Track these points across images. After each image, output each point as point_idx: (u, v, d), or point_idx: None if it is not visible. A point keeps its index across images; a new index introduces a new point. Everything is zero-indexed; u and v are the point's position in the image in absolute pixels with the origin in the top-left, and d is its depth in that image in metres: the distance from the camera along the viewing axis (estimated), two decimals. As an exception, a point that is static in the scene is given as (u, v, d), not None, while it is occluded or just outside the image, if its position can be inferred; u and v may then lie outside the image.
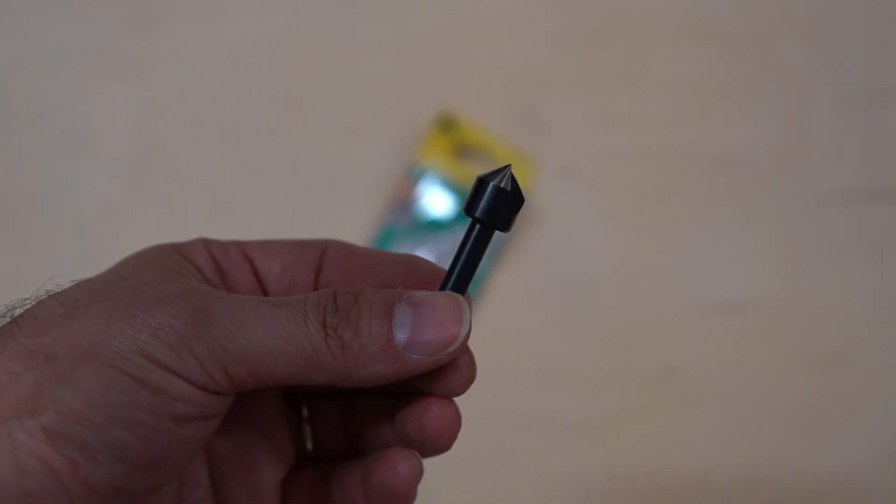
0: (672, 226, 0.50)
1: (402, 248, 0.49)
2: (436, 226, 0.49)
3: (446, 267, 0.20)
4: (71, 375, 0.16)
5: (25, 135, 0.51)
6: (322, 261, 0.22)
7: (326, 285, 0.21)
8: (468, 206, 0.20)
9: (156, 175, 0.50)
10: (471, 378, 0.21)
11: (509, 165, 0.21)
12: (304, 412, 0.22)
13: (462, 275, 0.19)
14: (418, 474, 0.22)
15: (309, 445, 0.22)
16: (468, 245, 0.20)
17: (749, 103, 0.51)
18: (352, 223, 0.50)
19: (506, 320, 0.49)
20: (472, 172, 0.50)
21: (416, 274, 0.20)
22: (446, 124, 0.49)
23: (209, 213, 0.50)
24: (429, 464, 0.49)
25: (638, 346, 0.49)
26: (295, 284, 0.21)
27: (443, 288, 0.20)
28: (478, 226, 0.20)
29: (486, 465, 0.48)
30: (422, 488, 0.49)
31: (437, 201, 0.49)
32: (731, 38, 0.52)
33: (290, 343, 0.17)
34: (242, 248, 0.22)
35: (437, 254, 0.49)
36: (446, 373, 0.20)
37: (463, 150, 0.50)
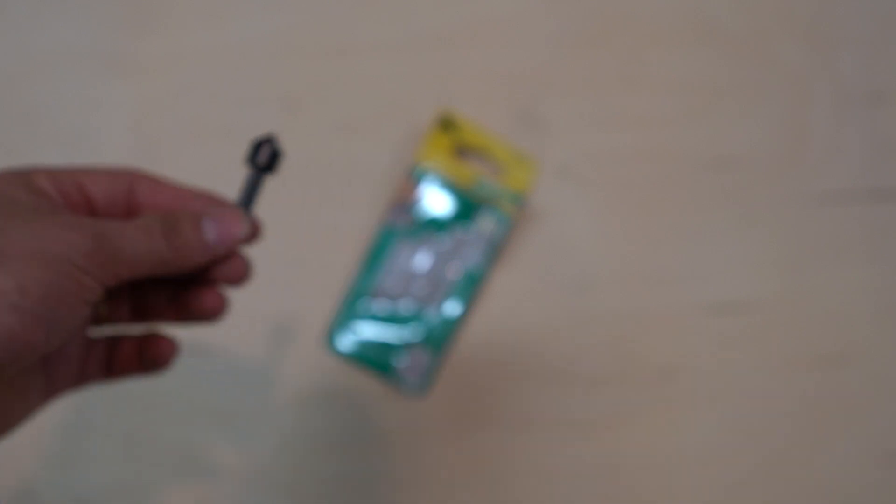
0: (671, 225, 0.50)
1: (403, 247, 0.49)
2: (436, 225, 0.49)
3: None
4: (26, 268, 0.24)
5: (25, 134, 0.51)
6: (135, 188, 0.30)
7: (143, 208, 0.31)
8: (250, 160, 0.33)
9: (156, 175, 0.50)
10: (246, 270, 0.32)
11: (271, 138, 0.33)
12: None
13: (244, 198, 0.32)
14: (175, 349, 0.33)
15: (104, 311, 0.32)
16: (248, 182, 0.33)
17: (749, 103, 0.52)
18: (352, 223, 0.50)
19: (505, 320, 0.49)
20: (472, 172, 0.50)
21: (212, 200, 0.32)
22: (446, 124, 0.49)
23: (209, 213, 0.50)
24: (429, 463, 0.50)
25: (637, 346, 0.49)
26: (115, 206, 0.30)
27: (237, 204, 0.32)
28: (254, 171, 0.33)
29: (486, 465, 0.48)
30: (422, 487, 0.50)
31: (437, 201, 0.49)
32: (731, 38, 0.52)
33: (150, 251, 0.28)
34: (72, 175, 0.29)
35: (436, 253, 0.49)
36: (230, 267, 0.31)
37: (463, 150, 0.50)
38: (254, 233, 0.32)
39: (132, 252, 0.27)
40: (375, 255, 0.49)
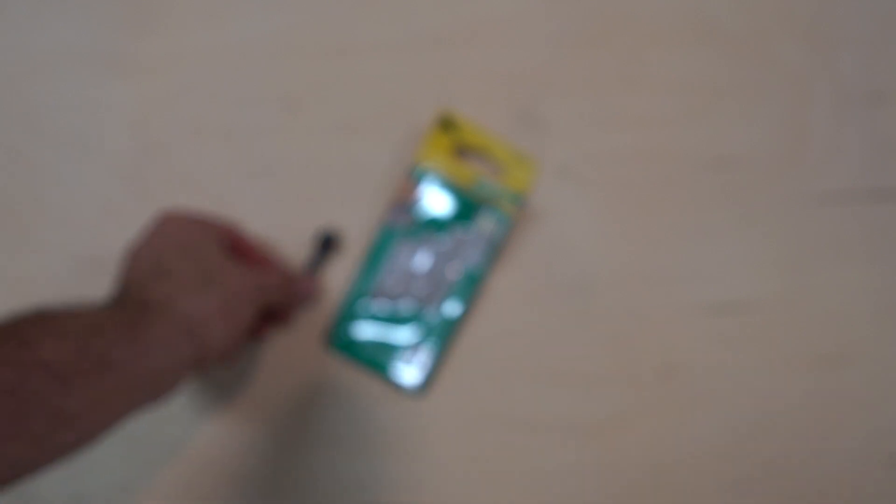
0: (671, 225, 0.50)
1: (403, 247, 0.49)
2: (436, 225, 0.49)
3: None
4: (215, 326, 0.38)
5: (26, 134, 0.51)
6: (237, 240, 0.46)
7: (253, 259, 0.46)
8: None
9: (156, 175, 0.50)
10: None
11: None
12: None
13: (311, 268, 0.49)
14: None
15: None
16: (315, 257, 0.49)
17: (749, 103, 0.52)
18: (352, 223, 0.50)
19: (505, 320, 0.49)
20: (472, 172, 0.50)
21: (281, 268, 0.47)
22: (446, 124, 0.49)
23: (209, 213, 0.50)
24: (429, 463, 0.50)
25: (637, 346, 0.49)
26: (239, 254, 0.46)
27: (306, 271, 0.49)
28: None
29: (486, 464, 0.48)
30: (422, 487, 0.50)
31: (437, 201, 0.49)
32: (731, 38, 0.52)
33: (283, 296, 0.45)
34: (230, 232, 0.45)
35: (436, 253, 0.49)
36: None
37: (463, 150, 0.50)
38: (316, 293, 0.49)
39: (271, 293, 0.42)
40: (375, 255, 0.49)
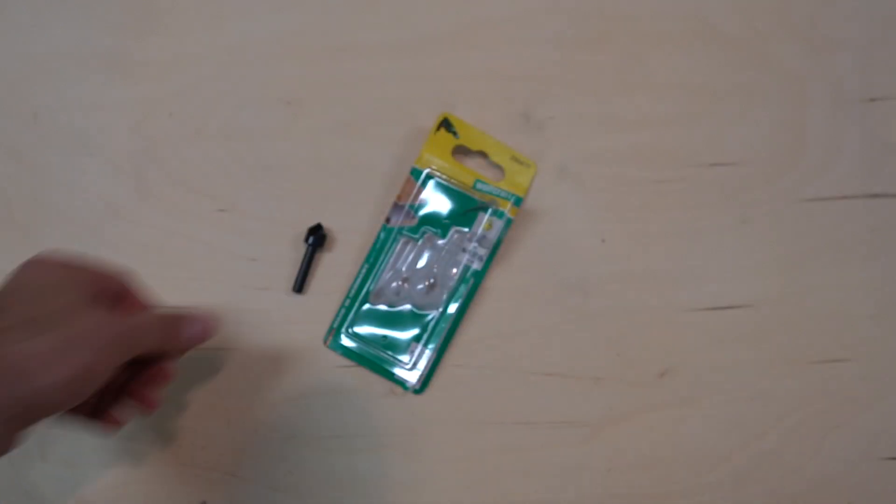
0: (670, 226, 0.50)
1: (403, 247, 0.49)
2: (436, 226, 0.49)
3: None
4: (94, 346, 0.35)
5: (27, 135, 0.51)
6: (125, 291, 0.41)
7: (131, 304, 0.41)
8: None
9: (157, 175, 0.50)
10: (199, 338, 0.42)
11: None
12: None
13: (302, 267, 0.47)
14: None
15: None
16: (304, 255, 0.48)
17: (746, 105, 0.52)
18: (352, 223, 0.50)
19: (504, 320, 0.49)
20: (472, 172, 0.50)
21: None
22: (446, 125, 0.50)
23: (210, 213, 0.50)
24: (430, 462, 0.50)
25: (636, 346, 0.49)
26: (114, 298, 0.40)
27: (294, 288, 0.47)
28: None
29: (486, 464, 0.48)
30: (423, 486, 0.50)
31: (437, 201, 0.49)
32: (730, 40, 0.52)
33: (159, 341, 0.40)
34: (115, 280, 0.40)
35: (436, 253, 0.49)
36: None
37: (463, 151, 0.51)
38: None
39: (148, 341, 0.38)
40: (375, 254, 0.49)
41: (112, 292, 0.39)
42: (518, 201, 0.50)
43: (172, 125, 0.51)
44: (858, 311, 0.50)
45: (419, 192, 0.49)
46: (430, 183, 0.49)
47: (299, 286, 0.49)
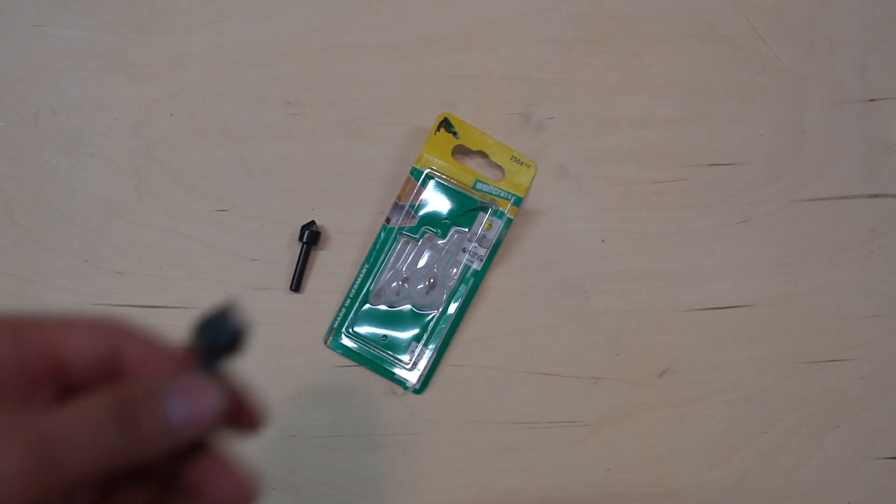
0: (669, 226, 0.50)
1: (403, 247, 0.49)
2: (436, 226, 0.49)
3: None
4: None
5: (27, 135, 0.51)
6: (121, 347, 0.23)
7: (128, 374, 0.23)
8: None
9: (157, 175, 0.50)
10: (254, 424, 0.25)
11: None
12: None
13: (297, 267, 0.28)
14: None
15: None
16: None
17: (745, 105, 0.52)
18: (352, 223, 0.50)
19: (504, 320, 0.49)
20: (472, 173, 0.50)
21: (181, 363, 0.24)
22: (446, 125, 0.50)
23: (210, 213, 0.50)
24: (430, 462, 0.50)
25: (635, 345, 0.49)
26: (94, 371, 0.23)
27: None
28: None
29: (486, 464, 0.48)
30: (423, 486, 0.50)
31: (437, 201, 0.49)
32: (729, 40, 0.52)
33: (99, 449, 0.20)
34: (43, 333, 0.22)
35: (436, 253, 0.49)
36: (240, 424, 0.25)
37: (463, 151, 0.51)
38: (237, 408, 0.24)
39: (79, 454, 0.20)
40: (376, 254, 0.49)
41: (47, 364, 0.22)
42: (518, 201, 0.50)
43: (173, 125, 0.51)
44: (858, 311, 0.50)
45: (419, 192, 0.49)
46: (430, 183, 0.49)
47: (296, 285, 0.49)
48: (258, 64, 0.51)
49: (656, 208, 0.51)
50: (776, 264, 0.50)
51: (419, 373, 0.48)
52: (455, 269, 0.49)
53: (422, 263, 0.49)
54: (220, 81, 0.51)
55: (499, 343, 0.49)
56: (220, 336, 0.24)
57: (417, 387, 0.49)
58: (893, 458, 0.49)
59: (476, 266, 0.49)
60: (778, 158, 0.51)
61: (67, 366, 0.22)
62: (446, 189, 0.49)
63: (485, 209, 0.49)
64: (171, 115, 0.51)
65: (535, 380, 0.49)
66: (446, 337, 0.49)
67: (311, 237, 0.49)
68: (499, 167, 0.50)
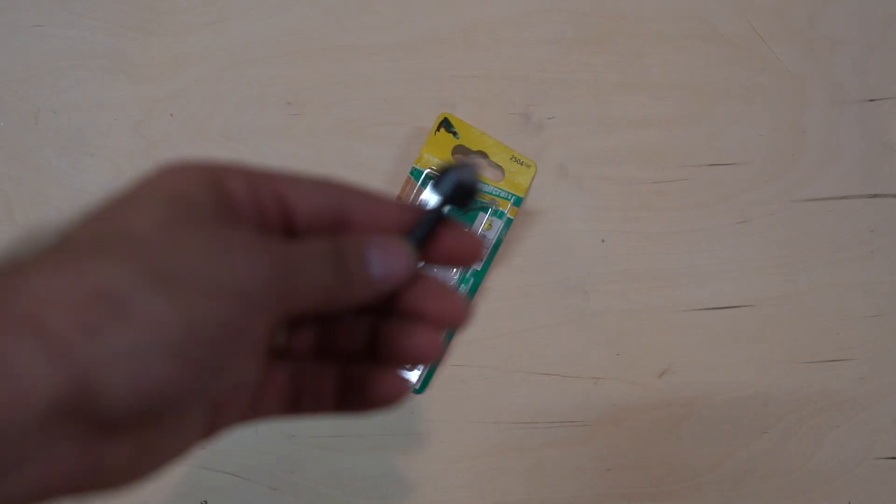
0: (669, 226, 0.51)
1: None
2: (436, 226, 0.49)
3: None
4: (196, 301, 0.19)
5: (27, 135, 0.51)
6: (346, 204, 0.25)
7: (354, 231, 0.25)
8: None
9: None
10: (460, 309, 0.26)
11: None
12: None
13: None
14: (404, 390, 0.26)
15: (281, 341, 0.26)
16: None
17: (745, 105, 0.52)
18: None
19: (503, 320, 0.49)
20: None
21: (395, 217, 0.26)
22: (446, 124, 0.50)
23: (210, 213, 0.50)
24: (430, 462, 0.50)
25: (636, 346, 0.49)
26: (320, 225, 0.25)
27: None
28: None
29: (486, 464, 0.48)
30: (423, 486, 0.50)
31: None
32: (729, 40, 0.52)
33: (322, 285, 0.22)
34: (272, 181, 0.24)
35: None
36: (439, 302, 0.26)
37: (463, 151, 0.51)
38: (414, 272, 0.25)
39: (307, 285, 0.22)
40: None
41: (281, 211, 0.24)
42: (518, 201, 0.50)
43: (173, 125, 0.51)
44: (858, 311, 0.50)
45: (419, 192, 0.49)
46: (431, 183, 0.49)
47: None
48: (258, 64, 0.51)
49: (656, 208, 0.51)
50: (776, 264, 0.50)
51: (419, 373, 0.48)
52: (455, 269, 0.49)
53: (422, 263, 0.49)
54: (220, 81, 0.51)
55: (499, 343, 0.49)
56: (450, 187, 0.26)
57: (417, 387, 0.49)
58: (893, 458, 0.49)
59: (476, 266, 0.49)
60: (778, 158, 0.51)
61: (295, 214, 0.24)
62: (446, 189, 0.49)
63: (485, 209, 0.49)
64: (171, 115, 0.51)
65: (535, 380, 0.49)
66: (446, 337, 0.49)
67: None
68: (499, 167, 0.50)
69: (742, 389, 0.49)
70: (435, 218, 0.26)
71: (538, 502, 0.48)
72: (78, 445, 0.18)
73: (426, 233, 0.26)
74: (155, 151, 0.51)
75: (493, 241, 0.49)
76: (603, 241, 0.50)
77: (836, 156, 0.51)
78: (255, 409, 0.25)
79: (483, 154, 0.50)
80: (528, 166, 0.50)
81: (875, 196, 0.51)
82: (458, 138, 0.50)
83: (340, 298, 0.23)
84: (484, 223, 0.49)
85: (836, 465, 0.49)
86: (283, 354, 0.26)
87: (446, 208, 0.26)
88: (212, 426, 0.24)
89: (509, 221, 0.49)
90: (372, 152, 0.51)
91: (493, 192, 0.49)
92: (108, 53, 0.51)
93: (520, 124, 0.51)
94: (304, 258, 0.22)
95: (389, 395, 0.26)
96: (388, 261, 0.24)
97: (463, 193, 0.26)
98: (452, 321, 0.26)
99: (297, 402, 0.26)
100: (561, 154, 0.51)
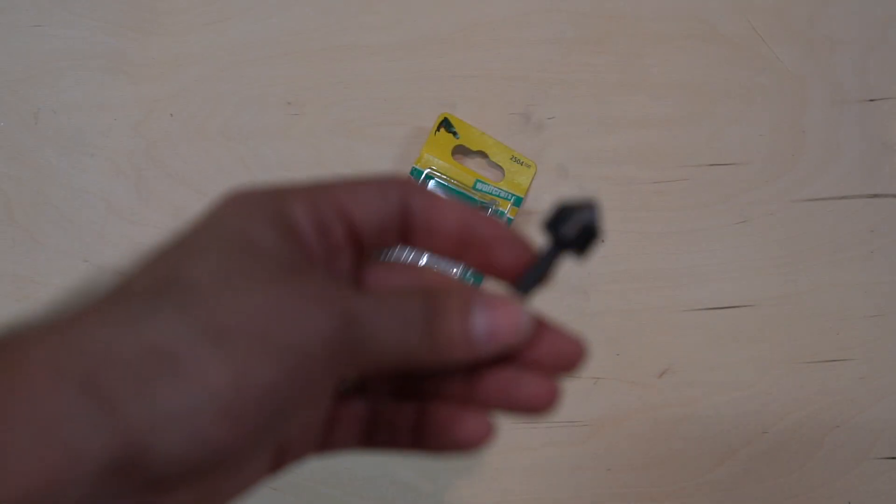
0: (669, 226, 0.50)
1: (402, 248, 0.49)
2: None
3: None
4: (248, 356, 0.18)
5: (27, 135, 0.51)
6: (409, 205, 0.23)
7: (420, 235, 0.24)
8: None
9: (157, 175, 0.50)
10: (578, 354, 0.23)
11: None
12: None
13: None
14: (489, 434, 0.24)
15: (351, 383, 0.25)
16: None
17: (745, 105, 0.52)
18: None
19: (505, 320, 0.49)
20: (472, 173, 0.50)
21: (495, 249, 0.24)
22: (446, 124, 0.50)
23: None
24: (430, 462, 0.50)
25: (636, 345, 0.49)
26: (386, 233, 0.23)
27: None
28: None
29: (486, 462, 0.48)
30: (423, 485, 0.50)
31: (437, 201, 0.49)
32: (728, 40, 0.52)
33: (403, 342, 0.21)
34: (334, 198, 0.22)
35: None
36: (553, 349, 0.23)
37: (463, 151, 0.51)
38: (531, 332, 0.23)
39: (382, 343, 0.20)
40: (375, 254, 0.49)
41: (358, 238, 0.22)
42: (518, 201, 0.50)
43: (173, 125, 0.51)
44: (858, 311, 0.50)
45: (419, 192, 0.49)
46: (430, 183, 0.49)
47: None
48: (258, 64, 0.51)
49: (656, 208, 0.51)
50: (776, 264, 0.50)
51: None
52: (455, 269, 0.49)
53: (422, 264, 0.49)
54: (220, 81, 0.51)
55: (499, 343, 0.49)
56: (575, 230, 0.23)
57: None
58: (893, 458, 0.49)
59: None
60: (778, 158, 0.51)
61: (361, 229, 0.22)
62: (446, 189, 0.49)
63: (485, 209, 0.49)
64: (171, 115, 0.51)
65: (535, 380, 0.49)
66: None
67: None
68: (499, 167, 0.50)
69: (742, 389, 0.49)
70: (549, 266, 0.23)
71: (538, 502, 0.48)
72: (135, 502, 0.17)
73: (537, 282, 0.23)
74: (155, 151, 0.51)
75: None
76: (603, 241, 0.50)
77: (836, 156, 0.51)
78: (325, 444, 0.24)
79: (483, 154, 0.50)
80: (528, 166, 0.50)
81: (875, 196, 0.51)
82: (458, 138, 0.50)
83: (428, 359, 0.21)
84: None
85: (836, 465, 0.49)
86: (356, 391, 0.25)
87: (562, 252, 0.23)
88: (278, 463, 0.23)
89: (509, 221, 0.49)
90: (372, 152, 0.51)
91: (493, 192, 0.49)
92: (108, 53, 0.51)
93: (520, 124, 0.51)
94: (384, 313, 0.21)
95: (472, 439, 0.23)
96: (493, 320, 0.22)
97: (587, 238, 0.23)
98: (568, 365, 0.23)
99: (372, 437, 0.24)
100: (561, 154, 0.51)
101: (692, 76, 0.52)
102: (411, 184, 0.23)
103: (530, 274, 0.23)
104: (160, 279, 0.19)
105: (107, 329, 0.18)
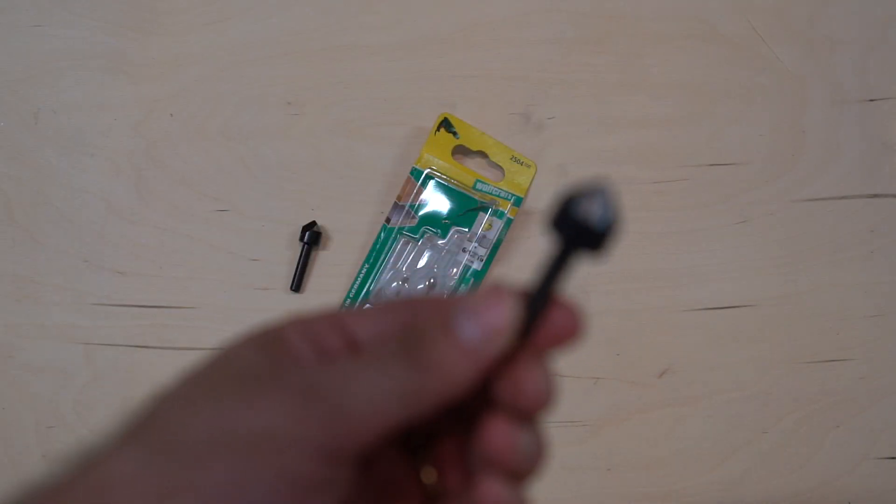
0: (669, 226, 0.50)
1: (403, 247, 0.49)
2: (436, 226, 0.49)
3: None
4: (204, 463, 0.18)
5: (27, 135, 0.51)
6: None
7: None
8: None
9: (157, 175, 0.50)
10: (541, 386, 0.22)
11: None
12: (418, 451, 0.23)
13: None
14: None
15: (432, 480, 0.23)
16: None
17: (745, 105, 0.52)
18: (352, 223, 0.50)
19: (505, 320, 0.49)
20: (472, 173, 0.50)
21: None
22: (447, 125, 0.50)
23: (210, 213, 0.50)
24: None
25: (636, 346, 0.49)
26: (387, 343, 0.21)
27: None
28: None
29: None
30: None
31: (437, 201, 0.49)
32: (729, 41, 0.52)
33: (388, 390, 0.19)
34: (333, 317, 0.22)
35: (436, 253, 0.49)
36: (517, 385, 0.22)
37: (463, 151, 0.51)
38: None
39: (362, 402, 0.18)
40: (376, 254, 0.49)
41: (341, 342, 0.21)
42: (518, 201, 0.50)
43: (173, 125, 0.51)
44: (858, 311, 0.50)
45: (419, 192, 0.49)
46: (430, 183, 0.49)
47: (297, 285, 0.49)
48: (258, 64, 0.51)
49: (656, 208, 0.51)
50: (776, 264, 0.50)
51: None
52: (455, 269, 0.49)
53: (422, 263, 0.49)
54: (220, 81, 0.51)
55: (499, 343, 0.49)
56: (580, 224, 0.18)
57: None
58: (893, 458, 0.49)
59: (476, 266, 0.49)
60: (778, 158, 0.51)
61: (359, 342, 0.21)
62: (446, 189, 0.49)
63: (485, 209, 0.49)
64: (171, 115, 0.51)
65: (535, 380, 0.49)
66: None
67: (312, 238, 0.49)
68: (499, 167, 0.50)
69: (742, 389, 0.49)
70: (558, 273, 0.19)
71: (538, 502, 0.48)
72: None
73: (547, 297, 0.20)
74: (155, 151, 0.51)
75: (494, 241, 0.49)
76: (622, 230, 0.50)
77: (836, 156, 0.51)
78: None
79: (483, 154, 0.50)
80: (528, 166, 0.50)
81: (875, 196, 0.51)
82: (458, 138, 0.50)
83: (429, 395, 0.19)
84: (484, 223, 0.49)
85: (836, 465, 0.49)
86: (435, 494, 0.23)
87: (574, 254, 0.19)
88: None
89: (509, 221, 0.49)
90: (372, 152, 0.51)
91: (493, 192, 0.49)
92: (108, 53, 0.51)
93: (520, 124, 0.51)
94: (354, 367, 0.19)
95: None
96: (483, 317, 0.20)
97: (602, 231, 0.18)
98: (568, 337, 0.22)
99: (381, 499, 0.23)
100: (561, 154, 0.51)
101: (692, 76, 0.52)
102: (418, 304, 0.22)
103: (540, 287, 0.20)
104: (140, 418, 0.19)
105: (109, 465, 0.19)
